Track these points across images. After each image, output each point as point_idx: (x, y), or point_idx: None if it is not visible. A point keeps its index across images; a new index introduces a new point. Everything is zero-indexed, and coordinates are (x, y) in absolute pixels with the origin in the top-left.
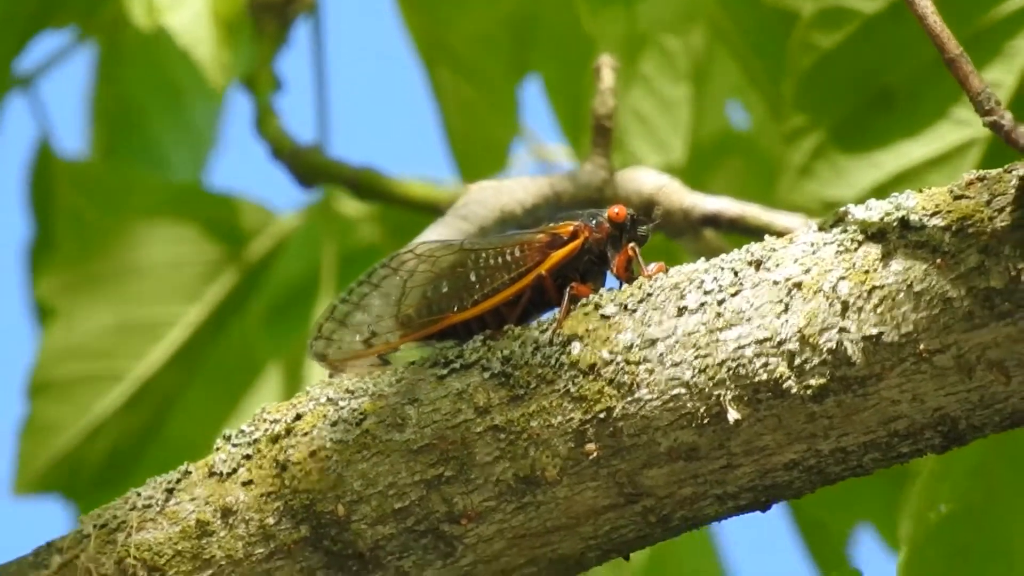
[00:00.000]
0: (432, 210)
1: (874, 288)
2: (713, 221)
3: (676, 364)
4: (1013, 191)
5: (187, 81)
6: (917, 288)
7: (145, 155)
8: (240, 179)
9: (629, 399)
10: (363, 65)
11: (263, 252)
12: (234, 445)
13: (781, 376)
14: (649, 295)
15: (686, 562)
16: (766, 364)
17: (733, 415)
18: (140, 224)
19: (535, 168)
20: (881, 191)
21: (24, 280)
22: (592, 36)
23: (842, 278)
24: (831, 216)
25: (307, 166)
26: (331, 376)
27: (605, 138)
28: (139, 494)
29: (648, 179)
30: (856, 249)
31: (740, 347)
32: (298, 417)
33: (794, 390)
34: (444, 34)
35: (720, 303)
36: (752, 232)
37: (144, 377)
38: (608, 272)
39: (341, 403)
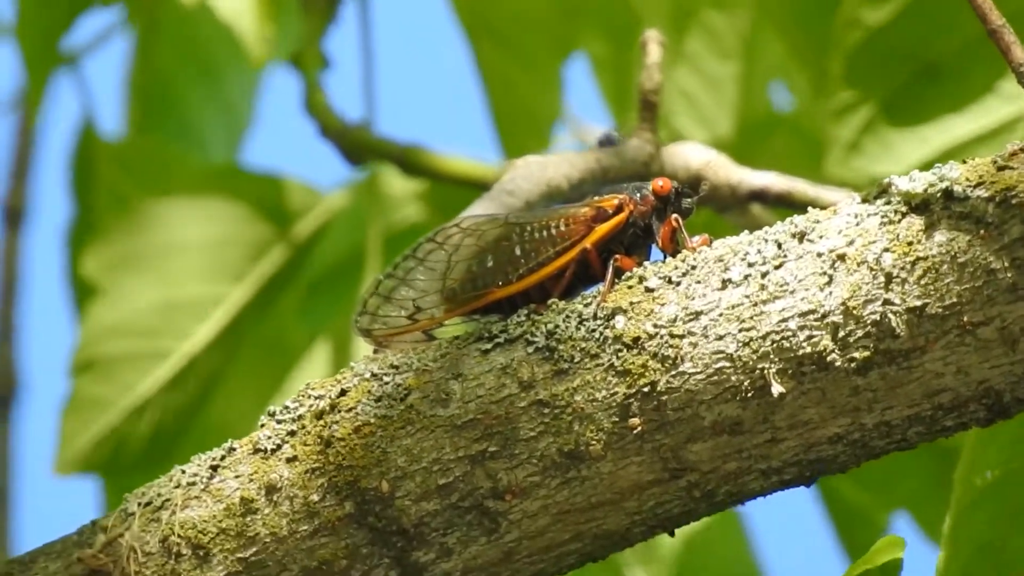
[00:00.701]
0: (478, 186)
1: (918, 259)
2: (760, 196)
3: (720, 337)
4: None
5: (223, 59)
6: (961, 259)
7: (180, 133)
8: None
9: (673, 373)
10: (409, 43)
11: (309, 231)
12: (278, 421)
13: (825, 349)
14: (693, 268)
15: (717, 548)
16: (810, 337)
17: (777, 388)
18: (184, 203)
19: (577, 149)
20: (929, 167)
21: (64, 259)
22: (638, 12)
23: (886, 250)
24: (875, 187)
25: (355, 144)
26: (376, 352)
27: (651, 112)
28: (183, 471)
29: (695, 154)
30: (900, 220)
31: (784, 320)
32: (342, 393)
33: (838, 363)
34: (489, 11)
35: (764, 275)
36: (799, 207)
37: (189, 356)
38: (653, 245)
39: (385, 378)
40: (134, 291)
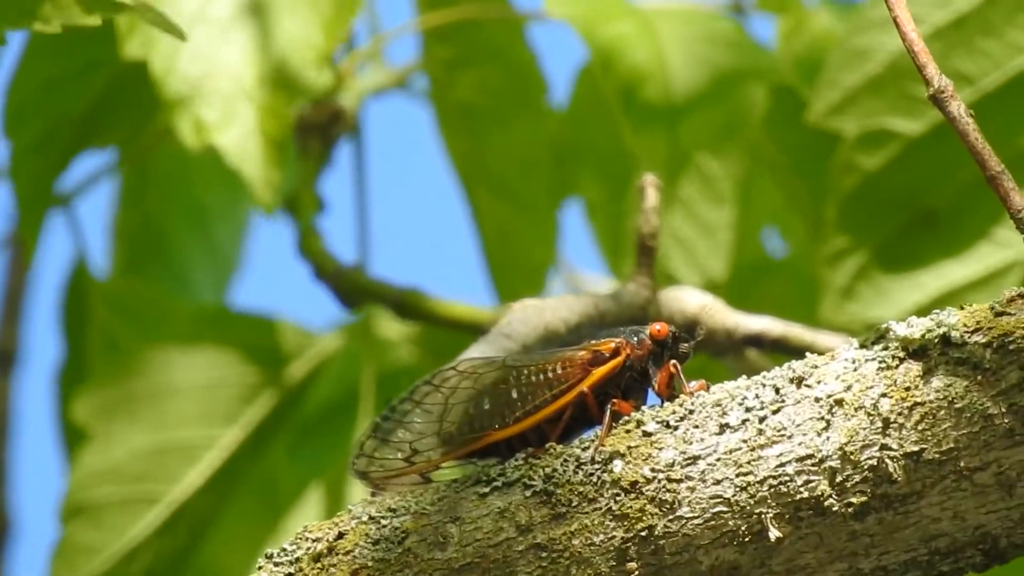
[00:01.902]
0: (474, 330)
1: (915, 405)
2: (756, 341)
3: (718, 482)
4: None
5: (213, 202)
6: (958, 405)
7: (168, 275)
8: (264, 298)
9: (671, 517)
10: (403, 186)
11: (302, 373)
12: (276, 564)
13: (823, 494)
14: (691, 412)
15: None
16: (808, 482)
17: (775, 533)
18: (176, 347)
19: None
20: (924, 312)
21: (54, 404)
22: (635, 155)
23: (884, 395)
24: (872, 333)
25: (350, 287)
26: (373, 495)
27: (649, 257)
28: None
29: (692, 298)
30: (898, 366)
31: (781, 464)
32: (340, 536)
33: (836, 508)
34: (484, 157)
35: (762, 420)
36: (796, 352)
37: (180, 500)
38: (649, 389)
39: (383, 521)
40: (124, 436)
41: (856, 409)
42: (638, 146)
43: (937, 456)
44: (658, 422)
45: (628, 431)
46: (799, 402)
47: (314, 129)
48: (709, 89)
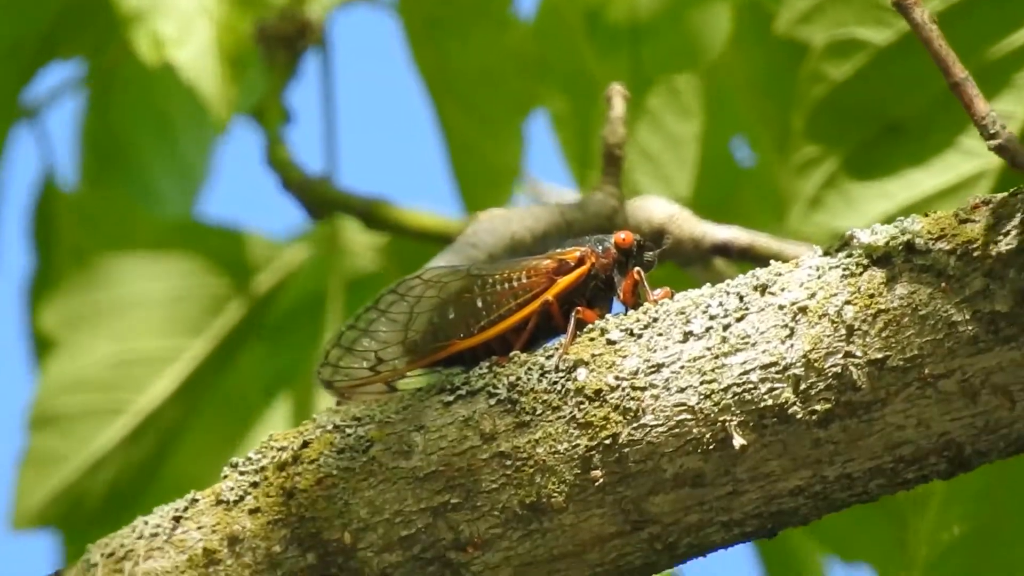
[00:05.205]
0: (441, 240)
1: (879, 312)
2: (723, 250)
3: (682, 390)
4: (1019, 215)
5: (180, 113)
6: (922, 312)
7: (135, 187)
8: (232, 208)
9: (635, 425)
10: (369, 97)
11: (269, 284)
12: (241, 473)
13: (786, 401)
14: (655, 320)
15: None
16: (772, 389)
17: (739, 441)
18: (142, 257)
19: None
20: (891, 221)
21: (24, 314)
22: (598, 77)
23: (847, 302)
24: (837, 240)
25: (317, 197)
26: (338, 403)
27: (615, 167)
28: (146, 522)
29: (659, 208)
30: (861, 273)
31: (745, 372)
32: (305, 444)
33: (799, 415)
34: (450, 69)
35: (725, 328)
36: (762, 261)
37: (146, 411)
38: (614, 298)
39: (348, 430)
40: (91, 346)
41: (820, 316)
42: (601, 71)
43: (901, 363)
44: (622, 330)
45: (592, 339)
46: (763, 310)
47: (281, 40)
48: (673, 11)
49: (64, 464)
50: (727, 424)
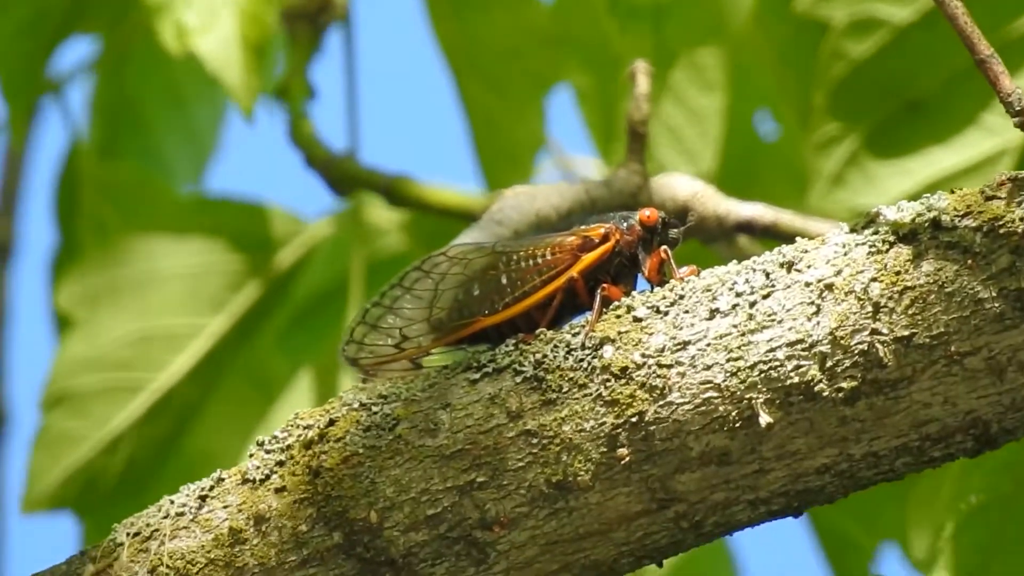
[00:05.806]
0: (465, 217)
1: (905, 289)
2: (747, 227)
3: (708, 367)
4: None
5: (190, 83)
6: (948, 289)
7: (144, 156)
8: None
9: (661, 403)
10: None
11: (291, 261)
12: (267, 451)
13: (813, 379)
14: (681, 297)
15: (702, 564)
16: (798, 367)
17: (765, 419)
18: (162, 234)
19: (559, 179)
20: (913, 199)
21: (47, 289)
22: (620, 53)
23: (874, 279)
24: (863, 217)
25: (341, 174)
26: (363, 381)
27: (639, 144)
28: (172, 501)
29: (683, 185)
30: (888, 250)
31: (772, 349)
32: (331, 422)
33: (826, 393)
34: (471, 44)
35: (752, 305)
36: (786, 238)
37: (164, 389)
38: (639, 275)
39: (374, 408)
40: (109, 323)
41: (846, 294)
42: (624, 46)
43: (927, 340)
44: (648, 307)
45: (618, 316)
46: (789, 287)
47: (304, 17)
48: None
49: (80, 444)
50: (753, 402)
